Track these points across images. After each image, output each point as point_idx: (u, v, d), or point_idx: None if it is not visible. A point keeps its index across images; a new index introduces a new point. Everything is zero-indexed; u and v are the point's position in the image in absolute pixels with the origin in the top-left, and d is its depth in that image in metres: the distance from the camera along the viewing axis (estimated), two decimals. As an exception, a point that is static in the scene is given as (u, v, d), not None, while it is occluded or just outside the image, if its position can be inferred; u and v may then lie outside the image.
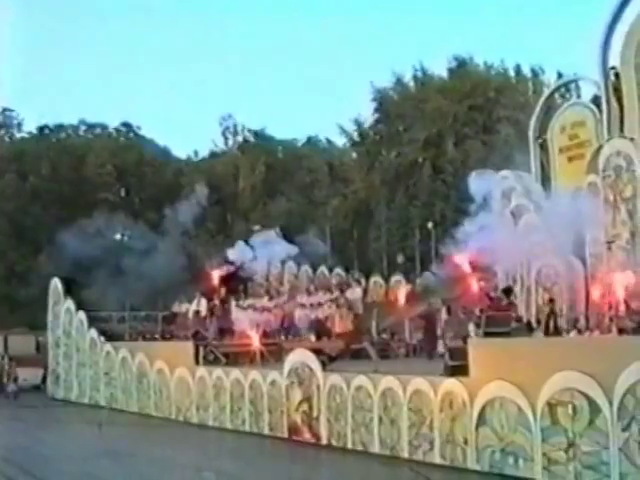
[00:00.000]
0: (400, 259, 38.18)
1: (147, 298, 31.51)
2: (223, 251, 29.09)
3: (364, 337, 22.28)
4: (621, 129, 21.57)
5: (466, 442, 14.14)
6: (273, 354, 21.63)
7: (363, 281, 28.61)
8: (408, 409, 15.39)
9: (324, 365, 18.27)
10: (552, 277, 20.37)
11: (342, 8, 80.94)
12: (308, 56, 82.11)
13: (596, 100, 23.61)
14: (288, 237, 29.63)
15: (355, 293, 26.27)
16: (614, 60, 22.33)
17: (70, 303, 30.49)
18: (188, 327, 25.68)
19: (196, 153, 63.36)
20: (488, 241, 17.92)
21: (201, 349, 22.87)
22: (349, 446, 16.84)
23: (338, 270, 30.51)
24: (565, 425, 12.40)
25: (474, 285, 16.84)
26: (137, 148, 58.33)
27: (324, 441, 17.60)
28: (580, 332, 17.84)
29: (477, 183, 21.82)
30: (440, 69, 51.70)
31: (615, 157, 19.52)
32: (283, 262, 30.78)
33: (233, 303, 26.68)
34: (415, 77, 52.41)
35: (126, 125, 60.22)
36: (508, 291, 17.48)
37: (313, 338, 23.23)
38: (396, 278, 28.11)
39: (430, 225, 35.76)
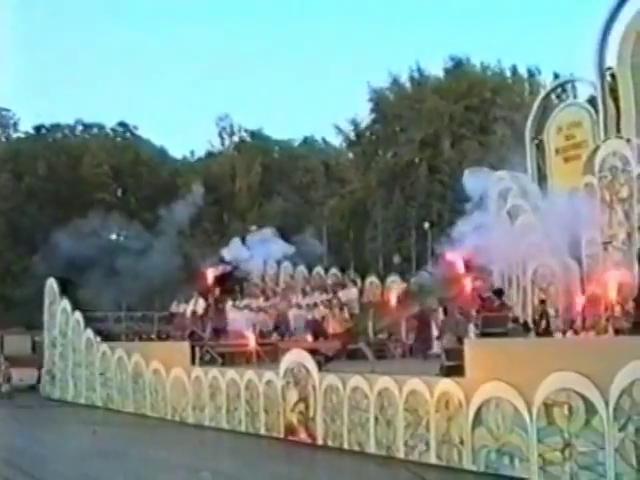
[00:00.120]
0: (396, 259, 38.21)
1: (143, 298, 31.49)
2: (219, 251, 29.08)
3: (360, 337, 22.27)
4: (617, 130, 21.60)
5: (462, 442, 14.14)
6: (269, 354, 21.61)
7: (359, 281, 28.62)
8: (404, 409, 15.39)
9: (320, 365, 18.25)
10: (548, 277, 20.40)
11: (339, 8, 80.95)
12: (305, 56, 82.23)
13: (592, 101, 23.64)
14: (284, 237, 29.63)
15: (351, 293, 26.30)
16: (610, 61, 22.37)
17: (66, 303, 30.45)
18: (186, 327, 25.66)
19: (192, 153, 63.37)
20: (483, 240, 17.95)
21: (197, 349, 22.84)
22: (345, 446, 16.83)
23: (334, 270, 30.53)
24: (561, 425, 12.40)
25: (467, 285, 16.85)
26: (133, 148, 58.29)
27: (320, 441, 17.59)
28: (576, 332, 17.88)
29: (472, 181, 21.84)
30: (436, 69, 51.76)
31: (611, 158, 19.56)
32: (279, 262, 30.79)
33: (229, 303, 26.68)
34: (412, 77, 52.42)
35: (123, 125, 60.18)
36: (499, 292, 17.50)
37: (309, 338, 23.23)
38: (392, 278, 28.12)
39: (426, 225, 35.77)
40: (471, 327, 16.79)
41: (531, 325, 18.81)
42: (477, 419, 13.86)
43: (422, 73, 52.16)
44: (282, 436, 18.75)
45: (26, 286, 43.09)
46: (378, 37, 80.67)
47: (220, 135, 61.80)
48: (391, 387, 15.73)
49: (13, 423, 24.70)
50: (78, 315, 29.67)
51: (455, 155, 45.16)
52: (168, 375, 23.56)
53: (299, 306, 25.92)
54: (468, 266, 17.94)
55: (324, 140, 61.47)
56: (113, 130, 60.46)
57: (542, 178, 24.04)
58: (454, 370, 14.54)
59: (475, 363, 14.04)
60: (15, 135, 58.97)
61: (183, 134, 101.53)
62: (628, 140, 19.90)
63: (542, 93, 28.67)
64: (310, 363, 18.20)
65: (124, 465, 16.04)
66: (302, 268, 30.78)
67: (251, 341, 21.15)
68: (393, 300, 20.25)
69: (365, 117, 53.42)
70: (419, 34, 76.13)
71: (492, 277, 21.13)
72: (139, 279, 29.07)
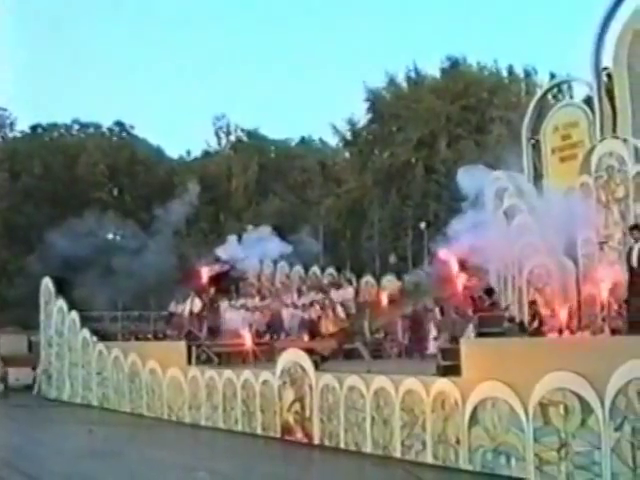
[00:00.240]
0: (392, 259, 38.26)
1: (139, 298, 31.52)
2: (215, 250, 29.06)
3: (356, 337, 22.29)
4: (613, 130, 21.61)
5: (458, 442, 14.14)
6: (265, 354, 21.62)
7: (355, 281, 28.64)
8: (400, 409, 15.39)
9: (316, 365, 18.25)
10: (544, 277, 20.40)
11: (335, 8, 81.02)
12: (301, 56, 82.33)
13: (588, 101, 23.65)
14: (281, 236, 29.63)
15: (347, 293, 26.32)
16: (607, 61, 22.38)
17: (62, 303, 30.40)
18: (183, 327, 25.64)
19: (189, 153, 63.46)
20: (479, 240, 17.95)
21: (193, 349, 22.82)
22: (342, 446, 16.83)
23: (330, 270, 30.54)
24: (557, 425, 12.41)
25: (459, 284, 16.86)
26: (130, 147, 58.34)
27: (317, 441, 17.59)
28: (572, 332, 17.88)
29: (467, 179, 21.81)
30: (433, 69, 51.88)
31: (607, 158, 19.57)
32: (275, 262, 30.79)
33: (225, 303, 26.68)
34: (408, 77, 52.51)
35: (119, 124, 60.21)
36: (490, 291, 17.51)
37: (306, 338, 23.25)
38: (388, 278, 28.13)
39: (423, 225, 35.83)
40: (470, 327, 16.76)
41: (527, 325, 18.82)
42: (473, 419, 13.87)
43: (419, 73, 52.27)
44: (279, 436, 18.74)
45: (22, 285, 43.06)
46: (375, 37, 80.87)
47: (217, 134, 61.92)
48: (387, 387, 15.73)
49: (9, 422, 24.70)
50: (74, 315, 29.64)
51: (451, 155, 45.24)
52: (164, 375, 23.55)
53: (295, 306, 25.93)
54: (463, 265, 17.94)
55: (321, 140, 61.64)
56: (109, 129, 60.51)
57: (538, 178, 24.05)
58: (450, 370, 14.54)
59: (471, 363, 14.04)
60: (11, 134, 59.03)
61: (180, 133, 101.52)
62: (624, 140, 19.91)
63: (538, 93, 28.67)
64: (306, 363, 18.19)
65: (120, 465, 16.03)
66: (298, 268, 30.78)
67: (247, 341, 21.14)
68: (384, 299, 20.26)
69: (362, 117, 53.55)
70: (416, 34, 76.35)
71: (488, 276, 21.15)
72: (135, 278, 29.09)
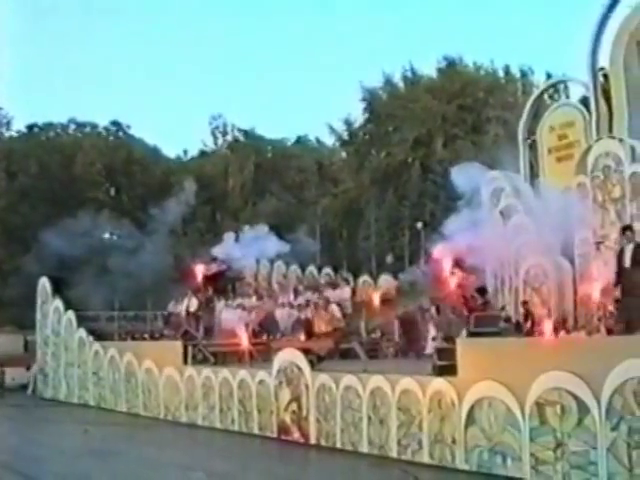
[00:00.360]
0: (389, 259, 38.23)
1: (136, 297, 31.46)
2: (211, 249, 29.02)
3: (352, 337, 22.27)
4: (610, 130, 21.65)
5: (455, 442, 14.15)
6: (262, 354, 21.62)
7: (352, 281, 28.60)
8: (397, 409, 15.39)
9: (313, 365, 18.25)
10: (540, 277, 20.43)
11: (331, 8, 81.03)
12: (298, 56, 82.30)
13: (585, 101, 23.69)
14: (278, 236, 29.59)
15: (344, 293, 26.30)
16: (603, 61, 22.42)
17: (58, 302, 30.38)
18: (182, 326, 25.62)
19: (185, 152, 63.46)
20: (475, 240, 17.97)
21: (190, 349, 22.81)
22: (338, 446, 16.83)
23: (327, 270, 30.51)
24: (553, 425, 12.42)
25: (451, 283, 16.88)
26: (126, 147, 58.30)
27: (313, 441, 17.59)
28: (568, 332, 17.92)
29: (461, 177, 21.81)
30: (429, 69, 51.89)
31: (604, 158, 19.61)
32: (272, 261, 30.77)
33: (222, 302, 26.65)
34: (404, 77, 52.52)
35: (115, 124, 60.16)
36: (482, 290, 17.52)
37: (302, 337, 23.23)
38: (384, 277, 28.12)
39: (419, 225, 35.82)
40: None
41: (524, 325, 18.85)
42: (470, 418, 13.88)
43: (415, 73, 52.28)
44: (275, 435, 18.75)
45: (18, 285, 42.98)
46: (371, 37, 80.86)
47: (213, 134, 61.91)
48: (384, 386, 15.74)
49: (5, 422, 24.66)
50: (70, 314, 29.61)
51: (448, 155, 45.20)
52: (161, 374, 23.55)
53: (291, 305, 25.91)
54: (459, 264, 17.96)
55: (317, 139, 61.62)
56: (106, 129, 60.45)
57: (535, 178, 24.08)
58: (446, 369, 14.55)
59: (467, 362, 14.05)
60: (8, 134, 58.91)
61: (176, 133, 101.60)
62: (620, 140, 19.96)
63: (535, 93, 28.69)
64: (303, 362, 18.20)
65: (117, 464, 16.04)
66: (295, 267, 30.76)
67: (244, 340, 21.14)
68: (376, 299, 20.29)
69: (358, 117, 53.56)
70: (412, 34, 76.38)
71: (484, 275, 21.16)
72: (131, 278, 29.06)
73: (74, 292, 30.85)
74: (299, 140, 62.75)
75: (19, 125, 58.94)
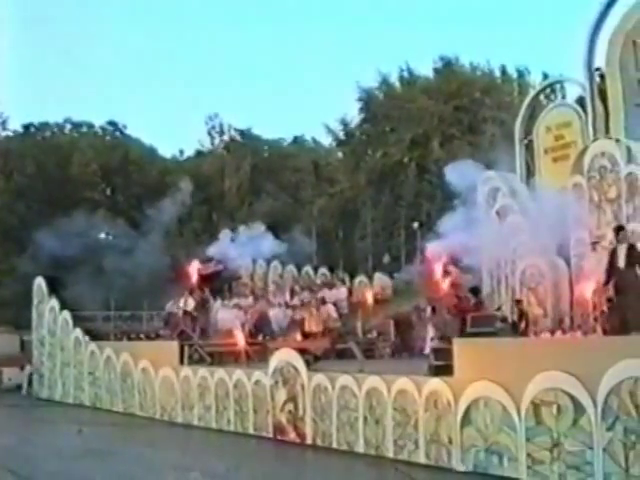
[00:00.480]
0: (386, 259, 38.29)
1: (132, 297, 31.44)
2: (208, 248, 29.00)
3: (349, 337, 22.28)
4: (606, 130, 21.68)
5: (451, 442, 14.14)
6: (258, 354, 21.60)
7: (348, 281, 28.63)
8: (393, 409, 15.38)
9: (309, 365, 18.24)
10: (537, 277, 20.44)
11: (328, 9, 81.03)
12: (294, 56, 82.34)
13: (581, 101, 23.72)
14: (274, 236, 29.59)
15: (340, 293, 26.33)
16: (600, 61, 22.44)
17: (54, 302, 30.32)
18: (179, 326, 25.60)
19: (182, 152, 63.51)
20: (469, 237, 17.98)
21: (186, 349, 22.78)
22: (334, 446, 16.81)
23: (323, 270, 30.53)
24: (549, 425, 12.41)
25: (444, 282, 16.88)
26: (123, 147, 58.31)
27: (309, 441, 17.57)
28: (564, 332, 17.93)
29: (455, 175, 21.80)
30: (426, 69, 51.99)
31: (600, 158, 19.63)
32: (268, 262, 30.76)
33: (218, 302, 26.64)
34: (401, 77, 52.58)
35: (112, 124, 60.18)
36: (476, 290, 17.52)
37: (298, 337, 23.24)
38: (377, 275, 28.12)
39: (415, 225, 35.85)
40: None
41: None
42: (466, 418, 13.87)
43: (411, 73, 52.34)
44: (271, 436, 18.72)
45: (14, 285, 43.00)
46: (368, 37, 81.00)
47: (210, 134, 61.93)
48: (380, 386, 15.73)
49: (1, 422, 24.61)
50: (66, 314, 29.56)
51: (444, 155, 45.25)
52: (157, 374, 23.51)
53: (287, 305, 25.92)
54: (454, 262, 17.96)
55: (314, 139, 61.67)
56: (102, 129, 60.46)
57: (531, 178, 24.10)
58: (442, 370, 14.54)
59: (464, 362, 14.04)
60: (4, 133, 58.92)
61: (173, 133, 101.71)
62: (617, 140, 19.98)
63: (531, 93, 28.72)
64: (299, 362, 18.18)
65: (113, 464, 16.00)
66: (291, 267, 30.75)
67: (240, 340, 21.12)
68: (370, 297, 20.24)
69: (355, 117, 53.65)
70: (409, 34, 76.40)
71: (479, 274, 21.18)
72: (127, 278, 29.06)
73: (70, 292, 30.80)
74: (295, 140, 62.79)
75: (15, 125, 59.02)
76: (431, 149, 47.37)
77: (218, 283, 27.64)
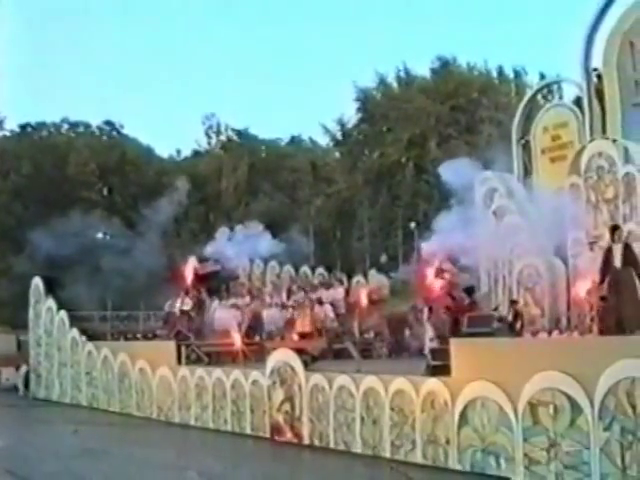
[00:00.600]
0: (383, 259, 38.29)
1: (129, 297, 31.40)
2: (205, 247, 28.95)
3: (345, 337, 22.26)
4: (603, 130, 21.69)
5: (448, 442, 14.14)
6: (255, 354, 21.59)
7: (345, 281, 28.58)
8: (390, 409, 15.38)
9: (306, 365, 18.22)
10: (534, 277, 20.45)
11: (325, 9, 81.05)
12: (292, 56, 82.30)
13: (578, 101, 23.75)
14: (272, 235, 29.54)
15: (337, 293, 26.29)
16: (597, 62, 22.46)
17: (51, 302, 30.28)
18: (175, 326, 25.57)
19: (179, 152, 63.50)
20: (465, 237, 17.96)
21: (183, 349, 22.76)
22: (331, 446, 16.81)
23: (321, 270, 30.50)
24: (546, 425, 12.42)
25: (437, 283, 16.88)
26: (120, 147, 58.26)
27: (306, 441, 17.56)
28: (561, 332, 17.93)
29: (450, 173, 21.77)
30: (423, 70, 52.07)
31: (597, 158, 19.64)
32: (266, 261, 30.72)
33: (216, 302, 26.60)
34: (398, 77, 52.63)
35: (109, 124, 60.14)
36: (470, 290, 17.52)
37: (295, 338, 23.21)
38: (371, 273, 28.10)
39: (413, 225, 35.86)
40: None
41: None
42: (463, 419, 13.87)
43: (409, 73, 52.39)
44: (268, 436, 18.71)
45: (11, 285, 42.94)
46: (365, 37, 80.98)
47: (207, 134, 61.96)
48: (377, 387, 15.73)
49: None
50: (63, 314, 29.51)
51: (441, 155, 45.24)
52: (154, 374, 23.49)
53: (284, 305, 25.88)
54: (450, 260, 17.94)
55: (311, 139, 61.67)
56: (99, 129, 60.42)
57: (528, 178, 24.10)
58: (440, 370, 14.54)
59: (461, 362, 14.04)
60: (0, 133, 58.82)
61: (170, 133, 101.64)
62: (614, 141, 19.99)
63: (528, 93, 28.75)
64: (296, 363, 18.17)
65: (110, 464, 16.00)
66: (289, 267, 30.72)
67: (237, 340, 21.10)
68: (364, 297, 20.18)
69: (352, 117, 53.73)
70: (406, 34, 76.44)
71: (477, 275, 21.18)
72: (124, 278, 29.01)
73: (67, 292, 30.75)
74: (293, 140, 62.77)
75: (12, 124, 58.97)
76: (428, 149, 47.40)
77: (215, 283, 27.60)
